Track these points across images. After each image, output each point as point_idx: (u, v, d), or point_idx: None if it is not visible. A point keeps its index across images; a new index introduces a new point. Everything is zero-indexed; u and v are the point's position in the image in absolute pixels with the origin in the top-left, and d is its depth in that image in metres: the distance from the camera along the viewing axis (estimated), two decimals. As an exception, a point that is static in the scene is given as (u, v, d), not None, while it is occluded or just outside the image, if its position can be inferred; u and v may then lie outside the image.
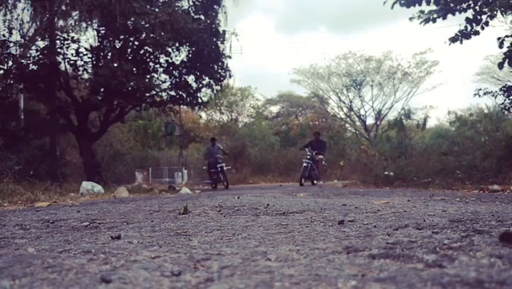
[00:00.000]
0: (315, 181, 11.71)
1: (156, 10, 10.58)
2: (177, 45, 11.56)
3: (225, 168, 12.03)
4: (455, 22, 9.06)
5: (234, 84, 28.71)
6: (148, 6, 10.54)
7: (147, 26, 10.46)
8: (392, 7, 7.71)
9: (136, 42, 11.23)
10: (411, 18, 8.07)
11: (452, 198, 3.48)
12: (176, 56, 12.04)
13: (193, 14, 11.55)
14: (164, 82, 12.49)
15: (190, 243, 1.39)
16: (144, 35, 10.77)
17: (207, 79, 12.41)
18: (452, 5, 7.67)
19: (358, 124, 30.02)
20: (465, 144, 10.29)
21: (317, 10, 55.69)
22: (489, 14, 7.66)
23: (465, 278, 0.86)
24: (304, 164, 11.35)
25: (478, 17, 7.88)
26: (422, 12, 7.91)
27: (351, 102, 29.06)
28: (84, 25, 12.05)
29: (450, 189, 5.98)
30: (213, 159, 11.93)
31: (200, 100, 12.79)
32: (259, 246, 1.29)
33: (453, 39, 8.16)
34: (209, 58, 11.73)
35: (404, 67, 27.15)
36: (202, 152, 15.08)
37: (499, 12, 7.17)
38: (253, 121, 30.22)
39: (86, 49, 11.31)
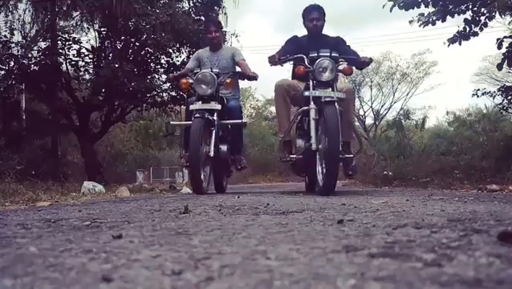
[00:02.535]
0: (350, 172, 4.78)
1: (157, 11, 10.60)
2: (178, 46, 11.57)
3: (227, 120, 5.05)
4: (454, 24, 9.22)
5: (235, 85, 28.66)
6: (148, 7, 10.56)
7: (148, 27, 10.48)
8: (391, 10, 7.74)
9: (137, 43, 11.26)
10: (410, 22, 8.11)
11: (450, 198, 3.48)
12: (176, 57, 12.06)
13: (193, 15, 11.57)
14: (165, 82, 12.53)
15: (191, 242, 1.40)
16: (144, 36, 10.80)
17: (208, 79, 12.41)
18: (450, 7, 7.70)
19: (357, 124, 30.07)
20: (463, 144, 10.32)
21: (317, 11, 55.64)
22: (487, 15, 7.69)
23: (464, 277, 0.86)
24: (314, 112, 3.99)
25: (477, 18, 7.90)
26: (422, 15, 7.94)
27: (350, 102, 29.05)
28: (85, 26, 12.13)
29: (449, 188, 5.97)
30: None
31: (200, 101, 12.78)
32: (259, 245, 1.29)
33: (452, 40, 8.18)
34: (209, 59, 11.74)
35: (403, 67, 27.26)
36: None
37: (497, 13, 7.20)
38: (253, 121, 30.24)
39: (87, 50, 11.35)
